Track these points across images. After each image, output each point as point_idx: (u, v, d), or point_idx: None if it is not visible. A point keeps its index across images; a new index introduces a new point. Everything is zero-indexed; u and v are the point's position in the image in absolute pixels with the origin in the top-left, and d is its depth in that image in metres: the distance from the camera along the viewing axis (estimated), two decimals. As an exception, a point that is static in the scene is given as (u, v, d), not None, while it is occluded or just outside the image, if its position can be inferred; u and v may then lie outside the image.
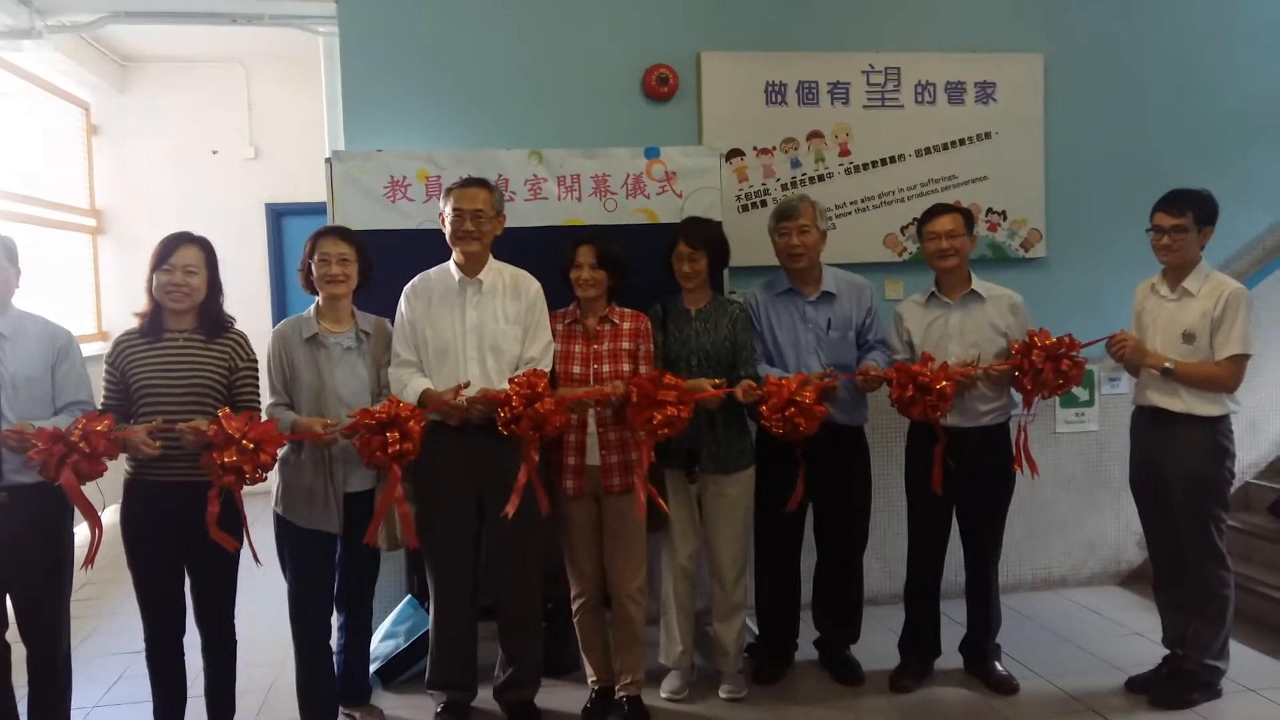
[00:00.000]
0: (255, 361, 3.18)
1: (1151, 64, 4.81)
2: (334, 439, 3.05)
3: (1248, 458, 4.81)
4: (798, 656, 3.90)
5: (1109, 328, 3.48)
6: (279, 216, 7.37)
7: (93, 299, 7.11)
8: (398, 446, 2.92)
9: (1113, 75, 4.77)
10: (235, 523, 2.96)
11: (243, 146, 7.29)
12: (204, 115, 7.23)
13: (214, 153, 7.29)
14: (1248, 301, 3.30)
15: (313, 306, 3.28)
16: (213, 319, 3.11)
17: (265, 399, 3.20)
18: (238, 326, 3.19)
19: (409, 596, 4.01)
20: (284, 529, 3.24)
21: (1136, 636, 4.12)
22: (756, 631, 3.93)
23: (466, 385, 3.10)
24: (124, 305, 6.15)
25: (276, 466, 3.16)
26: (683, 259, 3.46)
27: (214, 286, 3.12)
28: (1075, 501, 4.82)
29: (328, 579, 3.31)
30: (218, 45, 6.80)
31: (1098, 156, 4.75)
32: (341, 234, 3.28)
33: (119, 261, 7.06)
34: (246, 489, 2.91)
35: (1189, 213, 3.32)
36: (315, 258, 3.21)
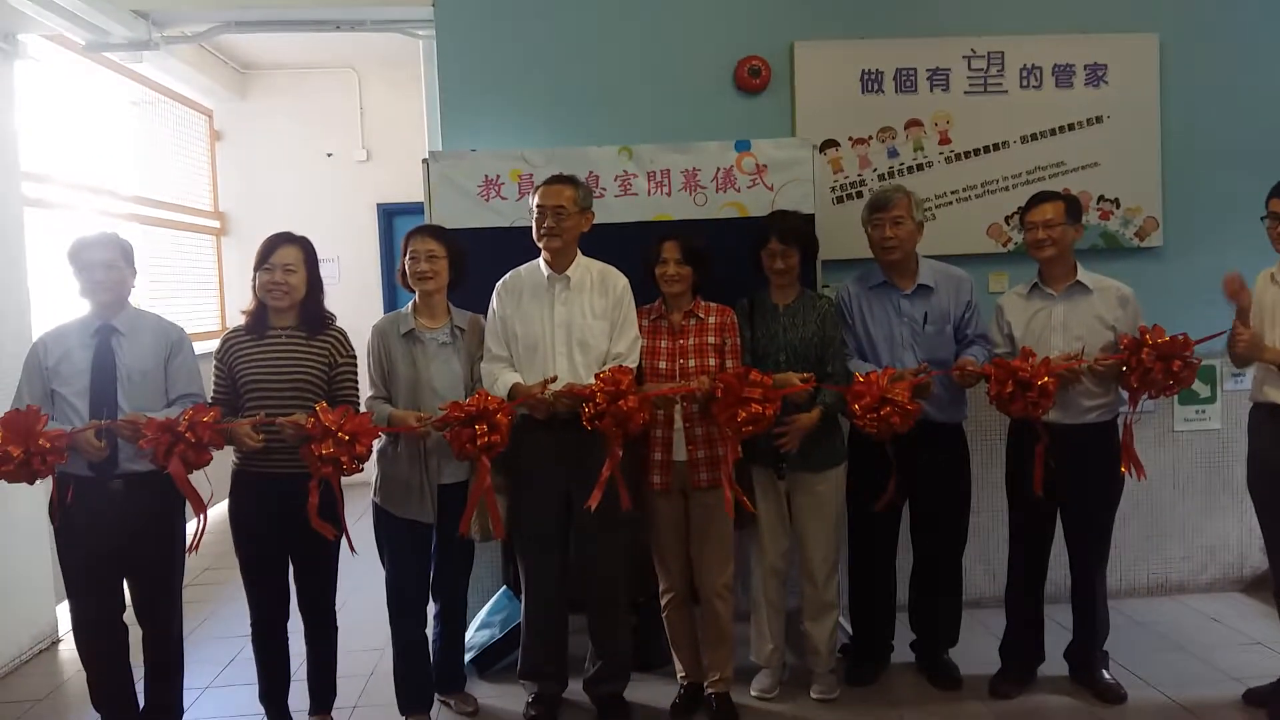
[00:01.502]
0: (354, 357, 3.28)
1: (1272, 43, 4.51)
2: (427, 431, 3.13)
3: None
4: (894, 659, 3.81)
5: (1230, 321, 3.27)
6: (390, 216, 7.61)
7: (217, 298, 7.47)
8: (486, 439, 2.98)
9: (1231, 56, 4.49)
10: (334, 512, 3.06)
11: (355, 149, 7.55)
12: (319, 120, 7.52)
13: (328, 155, 7.55)
14: None
15: (410, 303, 3.37)
16: (313, 316, 3.22)
17: (366, 393, 3.31)
18: (341, 323, 3.30)
19: (504, 587, 4.09)
20: (382, 518, 3.34)
21: (1259, 646, 3.89)
22: (850, 632, 3.86)
23: (554, 380, 3.13)
24: (246, 304, 6.47)
25: (375, 458, 3.27)
26: (775, 255, 3.41)
27: (314, 285, 3.23)
28: (1195, 503, 4.58)
29: (423, 568, 3.40)
30: (330, 52, 7.05)
31: (1217, 141, 4.49)
32: (431, 232, 3.36)
33: (241, 262, 7.38)
34: (348, 481, 3.01)
35: None
36: (408, 256, 3.29)
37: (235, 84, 7.38)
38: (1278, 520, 3.31)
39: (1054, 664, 3.65)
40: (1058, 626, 3.68)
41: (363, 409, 3.20)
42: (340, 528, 3.09)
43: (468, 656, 3.80)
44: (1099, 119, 4.40)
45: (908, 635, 3.81)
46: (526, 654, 3.44)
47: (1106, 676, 3.55)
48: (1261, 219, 3.22)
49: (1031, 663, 3.65)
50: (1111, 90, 4.39)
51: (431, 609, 3.49)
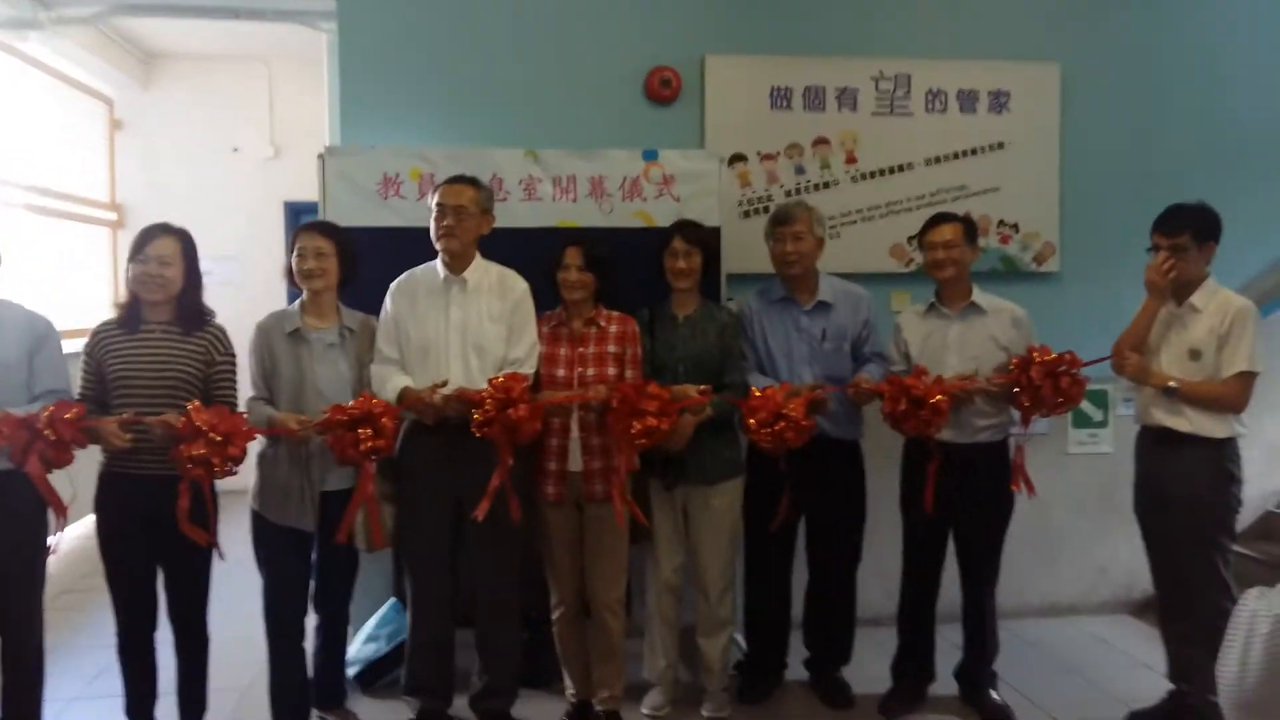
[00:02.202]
0: (233, 356, 3.15)
1: (1173, 74, 4.67)
2: (308, 435, 3.01)
3: (1270, 485, 4.63)
4: (787, 676, 3.78)
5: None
6: (298, 214, 7.33)
7: (112, 291, 7.16)
8: (370, 443, 2.88)
9: (1132, 85, 4.63)
10: (207, 517, 2.93)
11: (263, 145, 7.35)
12: (226, 113, 7.30)
13: (235, 150, 7.33)
14: (1256, 318, 3.17)
15: (298, 302, 3.24)
16: (190, 311, 3.08)
17: (247, 394, 3.17)
18: (245, 325, 3.18)
19: (393, 599, 3.96)
20: (260, 526, 3.19)
21: (1145, 669, 3.95)
22: (745, 648, 3.82)
23: (444, 384, 3.04)
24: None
25: (255, 462, 3.15)
26: (677, 255, 3.38)
27: (192, 279, 3.08)
28: (1087, 525, 4.66)
29: (303, 578, 3.26)
30: (240, 43, 6.85)
31: (1116, 169, 4.61)
32: (320, 228, 3.24)
33: (138, 256, 7.10)
34: (230, 485, 2.89)
35: (1186, 232, 3.19)
36: (295, 253, 3.17)
37: (138, 73, 7.11)
38: (1162, 545, 3.37)
39: (945, 683, 3.66)
40: (950, 645, 3.69)
41: (242, 410, 3.07)
42: (212, 533, 2.94)
43: (352, 671, 3.66)
44: (1001, 145, 4.48)
45: (802, 652, 3.79)
46: (410, 669, 3.33)
47: (995, 697, 3.56)
48: (1147, 250, 3.30)
49: (922, 682, 3.65)
50: (1014, 117, 4.48)
51: (313, 621, 3.36)
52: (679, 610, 3.54)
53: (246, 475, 3.09)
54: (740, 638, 3.86)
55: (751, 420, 3.13)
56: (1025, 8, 4.57)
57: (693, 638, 3.58)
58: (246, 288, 6.47)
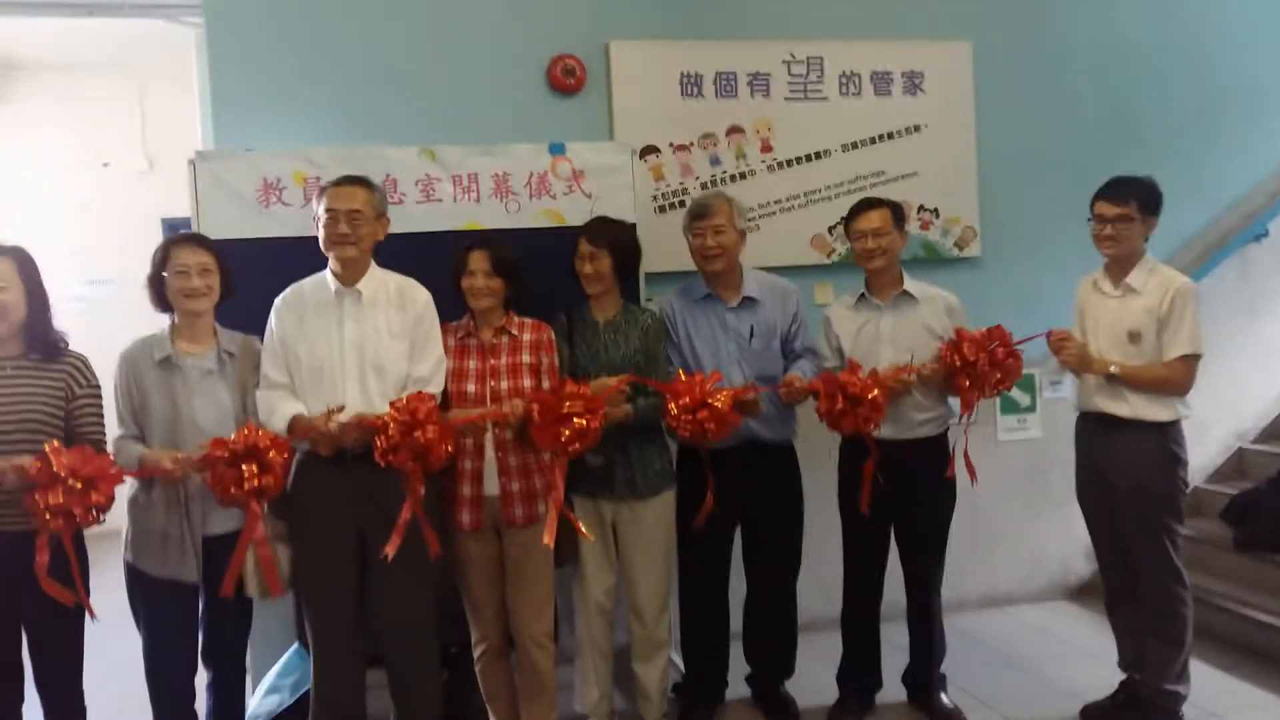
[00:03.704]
0: (97, 387, 2.80)
1: (1081, 52, 4.62)
2: (185, 474, 2.67)
3: (1196, 461, 4.58)
4: (728, 695, 3.58)
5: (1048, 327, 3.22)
6: (176, 230, 6.89)
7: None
8: (255, 481, 2.56)
9: (1043, 63, 4.57)
10: (72, 574, 2.57)
11: (135, 158, 6.87)
12: (93, 125, 6.80)
13: (105, 165, 6.84)
14: (1197, 297, 3.07)
15: (168, 325, 2.89)
16: (40, 340, 2.72)
17: (115, 431, 2.82)
18: (76, 349, 2.81)
19: (296, 645, 3.60)
20: (135, 579, 2.84)
21: (1090, 658, 3.86)
22: (683, 669, 3.60)
23: (340, 409, 2.74)
24: None
25: (127, 508, 2.81)
26: (584, 259, 3.14)
27: (37, 303, 2.72)
28: (1019, 513, 4.59)
29: (189, 634, 2.90)
30: (105, 50, 6.34)
31: (1032, 149, 4.54)
32: (201, 242, 2.91)
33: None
34: (100, 535, 2.57)
35: (1133, 201, 3.08)
36: (170, 270, 2.82)
37: (-9, 84, 6.57)
38: (1108, 532, 3.27)
39: (892, 689, 3.51)
40: (895, 649, 3.53)
41: (110, 449, 2.72)
42: (80, 590, 2.59)
43: (254, 727, 3.32)
44: (917, 128, 4.36)
45: (743, 668, 3.58)
46: (316, 723, 3.00)
47: (945, 701, 3.43)
48: (1087, 220, 3.18)
49: (869, 690, 3.50)
50: (928, 99, 4.37)
51: (204, 678, 3.01)
52: (612, 635, 3.30)
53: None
54: (677, 657, 3.64)
55: (674, 405, 2.91)
56: (934, -17, 4.46)
57: (627, 663, 3.34)
58: (125, 311, 5.98)
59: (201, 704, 3.00)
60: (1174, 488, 3.11)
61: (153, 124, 6.86)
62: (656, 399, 3.04)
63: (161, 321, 2.94)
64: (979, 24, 4.46)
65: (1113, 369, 3.06)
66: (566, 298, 3.26)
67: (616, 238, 3.19)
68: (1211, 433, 4.69)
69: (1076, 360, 3.12)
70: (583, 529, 3.01)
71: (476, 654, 3.15)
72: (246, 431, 2.61)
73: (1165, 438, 3.09)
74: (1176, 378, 3.04)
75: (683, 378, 2.96)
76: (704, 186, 4.12)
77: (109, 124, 6.81)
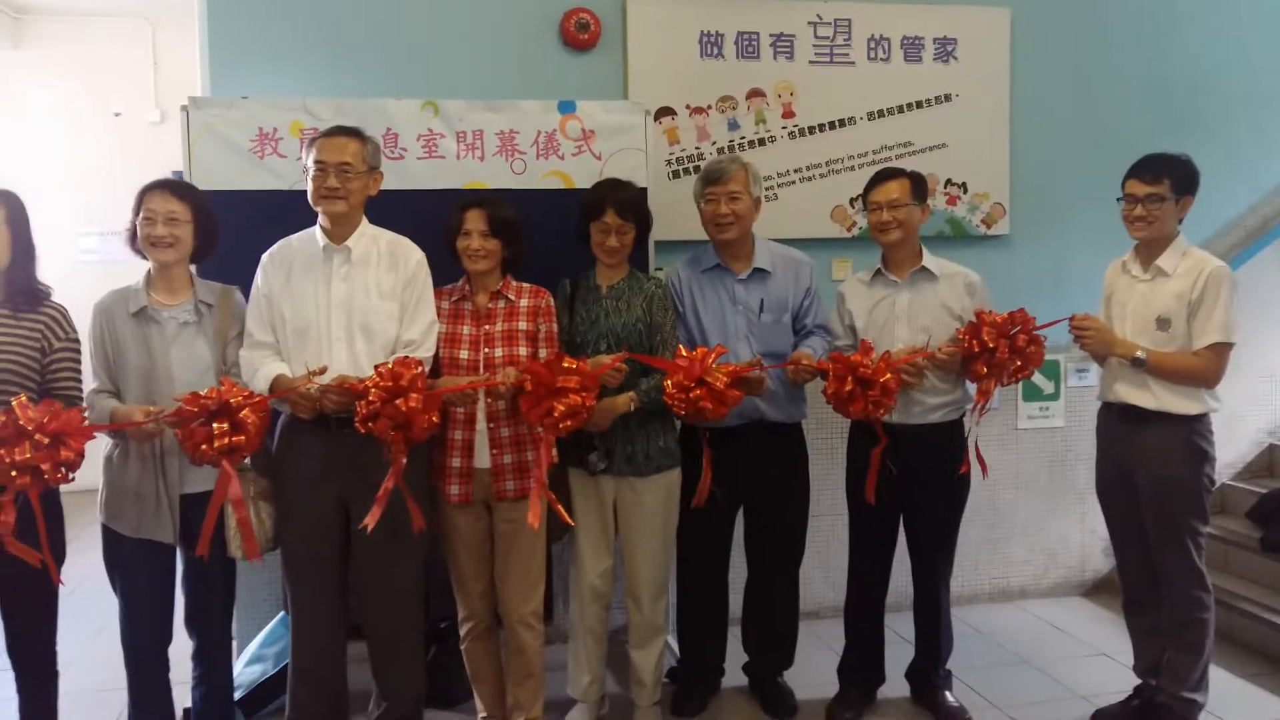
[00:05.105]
0: (76, 340, 2.70)
1: (1126, 26, 4.37)
2: (159, 430, 2.55)
3: (1224, 457, 4.35)
4: (724, 683, 3.46)
5: (1076, 312, 3.04)
6: (186, 185, 6.81)
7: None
8: (226, 440, 2.42)
9: (1084, 35, 4.33)
10: (38, 533, 2.43)
11: (148, 109, 6.74)
12: (106, 74, 6.66)
13: (116, 115, 6.71)
14: (1231, 282, 2.87)
15: (144, 275, 2.77)
16: (21, 289, 2.62)
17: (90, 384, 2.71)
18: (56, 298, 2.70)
19: (282, 613, 3.51)
20: (111, 541, 2.73)
21: (1103, 658, 3.73)
22: (678, 653, 3.47)
23: (322, 371, 2.61)
24: None
25: (102, 466, 2.71)
26: (609, 231, 2.96)
27: (21, 250, 2.62)
28: (1037, 505, 4.41)
29: (165, 599, 2.80)
30: (119, -3, 6.24)
31: (1068, 126, 4.32)
32: (172, 188, 2.77)
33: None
34: (79, 492, 2.44)
35: (1166, 180, 2.88)
36: (141, 216, 2.70)
37: (7, 30, 6.43)
38: (1128, 530, 3.09)
39: (895, 684, 3.38)
40: (900, 642, 3.39)
41: (85, 404, 2.61)
42: (48, 552, 2.48)
43: (235, 696, 3.21)
44: (948, 97, 4.15)
45: (741, 656, 3.45)
46: (295, 696, 2.89)
47: (950, 699, 3.28)
48: (1117, 200, 2.99)
49: (871, 684, 3.36)
50: (961, 67, 4.15)
51: (189, 647, 2.90)
52: (606, 620, 3.17)
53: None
54: (673, 641, 3.51)
55: (669, 381, 2.76)
56: (974, -55, 4.23)
57: (622, 645, 3.22)
58: (136, 266, 5.90)
59: (188, 674, 2.91)
60: (1200, 486, 2.93)
61: (165, 75, 6.72)
62: (659, 377, 2.88)
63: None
64: (1019, -11, 4.24)
65: (1139, 353, 2.88)
66: (571, 265, 3.11)
67: (641, 207, 3.05)
68: (1241, 426, 4.49)
69: (1099, 343, 2.94)
70: (565, 514, 2.84)
71: (463, 632, 3.03)
72: (224, 387, 2.48)
73: (1192, 432, 2.91)
74: (1206, 367, 2.85)
75: (683, 353, 2.81)
76: (720, 152, 3.93)
77: (121, 74, 6.68)
